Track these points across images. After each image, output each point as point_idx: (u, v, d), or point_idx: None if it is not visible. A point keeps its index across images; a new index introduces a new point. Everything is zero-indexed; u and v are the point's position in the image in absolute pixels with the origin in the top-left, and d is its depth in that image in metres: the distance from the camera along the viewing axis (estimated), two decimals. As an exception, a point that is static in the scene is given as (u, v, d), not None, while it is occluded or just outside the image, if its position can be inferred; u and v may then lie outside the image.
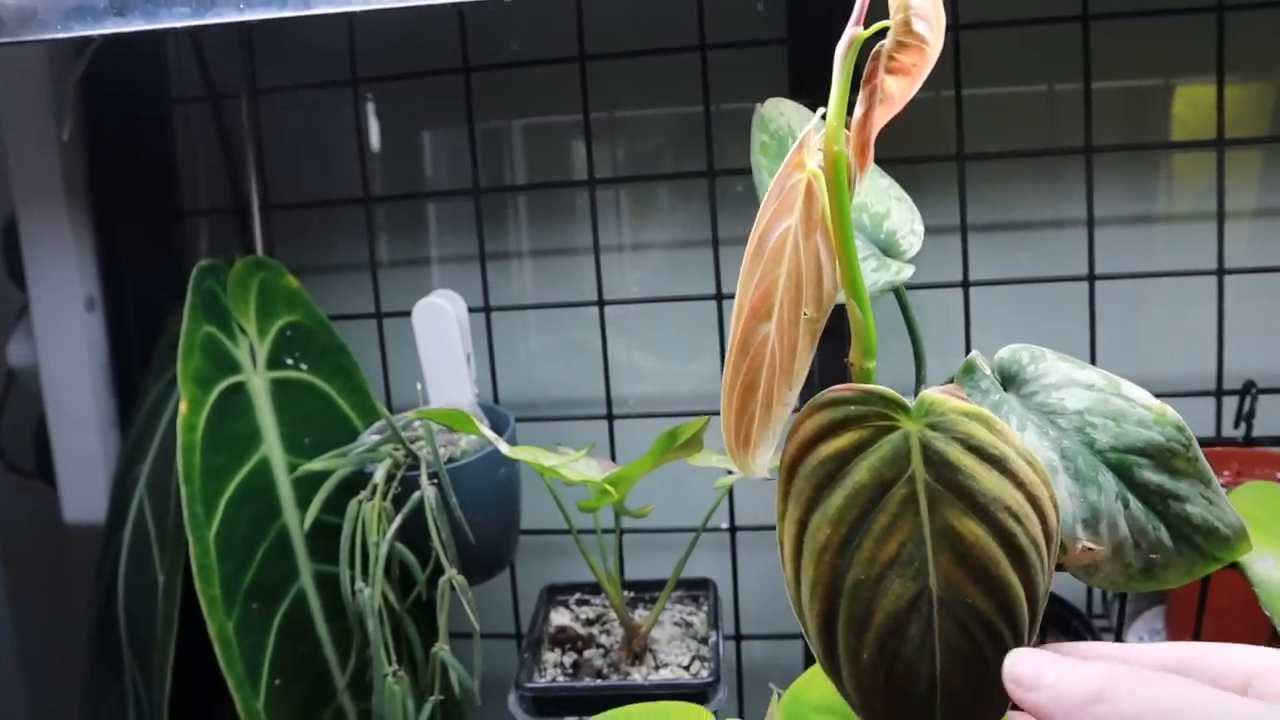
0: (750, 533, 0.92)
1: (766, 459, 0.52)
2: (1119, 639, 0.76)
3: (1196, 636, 0.69)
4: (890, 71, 0.49)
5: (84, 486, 0.92)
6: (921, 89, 0.48)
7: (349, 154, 0.94)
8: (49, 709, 1.02)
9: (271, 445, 0.79)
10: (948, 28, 0.83)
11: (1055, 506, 0.48)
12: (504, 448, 0.65)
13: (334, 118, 0.95)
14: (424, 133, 0.95)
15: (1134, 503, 0.53)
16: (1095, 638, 0.77)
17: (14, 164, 0.88)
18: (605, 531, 0.75)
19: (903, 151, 0.85)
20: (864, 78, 0.49)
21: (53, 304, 0.90)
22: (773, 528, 0.90)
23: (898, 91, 0.49)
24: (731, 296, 0.88)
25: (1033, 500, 0.47)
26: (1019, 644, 0.47)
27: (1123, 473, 0.52)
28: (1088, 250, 0.84)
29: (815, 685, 0.58)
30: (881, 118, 0.49)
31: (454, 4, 0.57)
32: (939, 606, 0.46)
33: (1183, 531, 0.53)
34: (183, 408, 0.74)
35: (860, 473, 0.47)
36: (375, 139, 0.94)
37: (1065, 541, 0.52)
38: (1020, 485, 0.47)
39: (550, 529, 0.89)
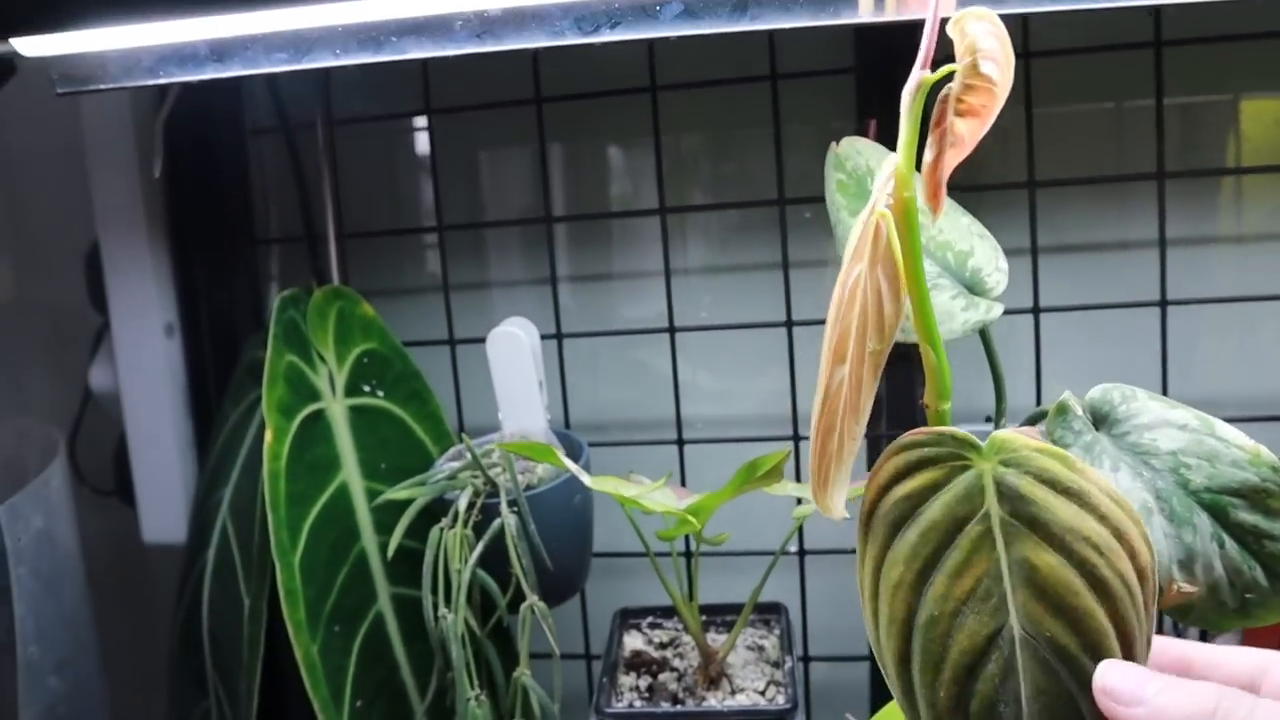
0: (817, 555, 0.94)
1: (843, 498, 0.54)
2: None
3: None
4: (959, 114, 0.51)
5: (163, 507, 0.97)
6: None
7: (415, 181, 0.98)
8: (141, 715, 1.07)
9: (350, 471, 0.83)
10: (1018, 56, 0.85)
11: (1148, 543, 0.50)
12: (586, 479, 0.68)
13: (402, 145, 0.99)
14: (492, 159, 0.99)
15: (1229, 543, 0.54)
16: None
17: (97, 195, 0.93)
18: (680, 554, 0.78)
19: (969, 176, 0.87)
20: (933, 121, 0.51)
21: (134, 330, 0.95)
22: (840, 551, 0.94)
23: (968, 133, 0.51)
24: (799, 323, 0.91)
25: (1118, 534, 0.49)
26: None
27: (1217, 513, 0.54)
28: (1160, 276, 0.85)
29: (895, 717, 0.61)
30: (953, 160, 0.51)
31: (540, 50, 0.61)
32: (1019, 644, 0.48)
33: (1277, 570, 0.55)
34: (268, 436, 0.78)
35: (934, 510, 0.49)
36: (444, 165, 0.97)
37: (1160, 582, 0.54)
38: (1102, 519, 0.49)
39: (622, 552, 0.92)
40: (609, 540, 0.90)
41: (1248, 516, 0.53)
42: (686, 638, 0.82)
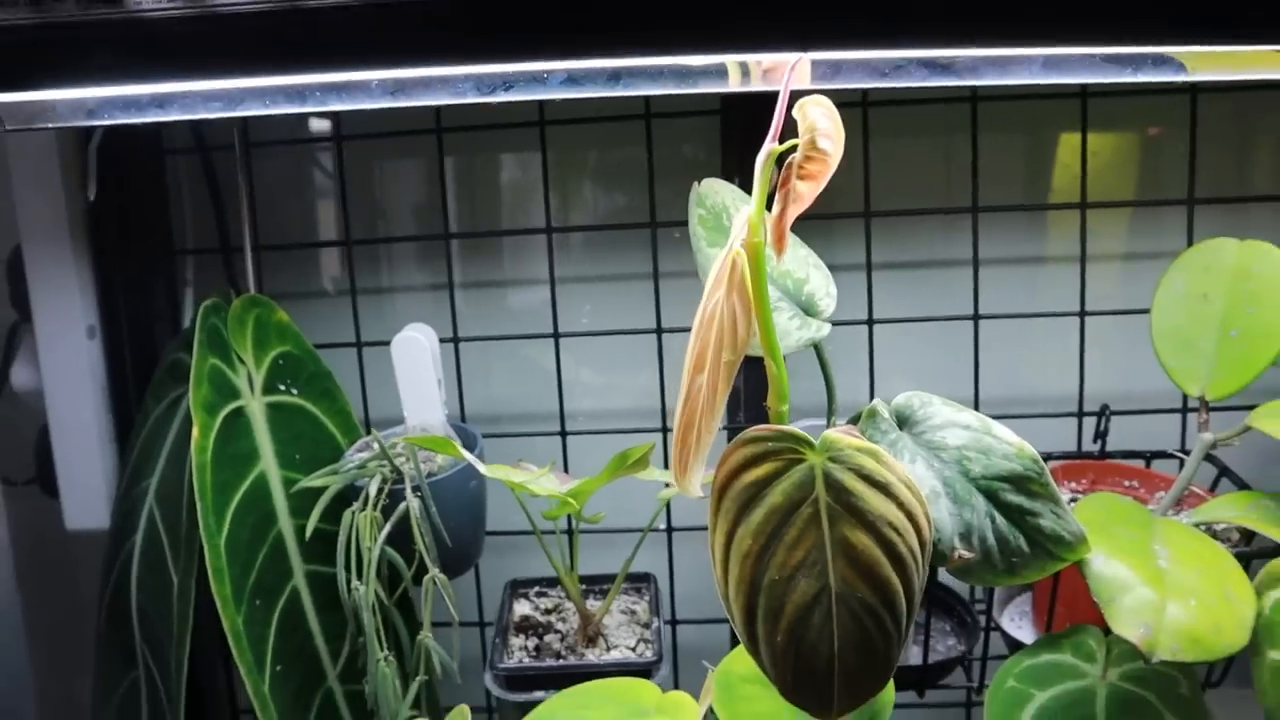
0: (683, 532, 1.05)
1: (699, 481, 0.65)
2: (993, 619, 0.90)
3: (1050, 617, 0.84)
4: (800, 178, 0.61)
5: (86, 497, 1.01)
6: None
7: (324, 198, 1.05)
8: (58, 699, 1.11)
9: (268, 461, 0.90)
10: (857, 104, 0.97)
11: (929, 521, 0.62)
12: (481, 468, 0.77)
13: (311, 166, 1.06)
14: (395, 178, 1.06)
15: (999, 519, 0.67)
16: (975, 620, 0.91)
17: (21, 206, 0.97)
18: (563, 532, 0.88)
19: (822, 206, 0.99)
20: (780, 181, 0.61)
21: (57, 332, 0.99)
22: (702, 528, 1.06)
23: (807, 192, 0.62)
24: (668, 330, 1.01)
25: (910, 517, 0.61)
26: (898, 630, 0.61)
27: (991, 496, 0.67)
28: (973, 294, 0.98)
29: (741, 660, 0.71)
30: (794, 213, 0.62)
31: (438, 105, 0.69)
32: (836, 600, 0.60)
33: (1036, 539, 0.67)
34: (195, 432, 0.84)
35: (775, 496, 0.60)
36: (351, 184, 1.04)
37: (945, 551, 0.66)
38: (900, 505, 0.61)
39: (512, 530, 1.01)
40: (500, 520, 0.98)
41: (1014, 498, 0.66)
42: (568, 604, 0.92)
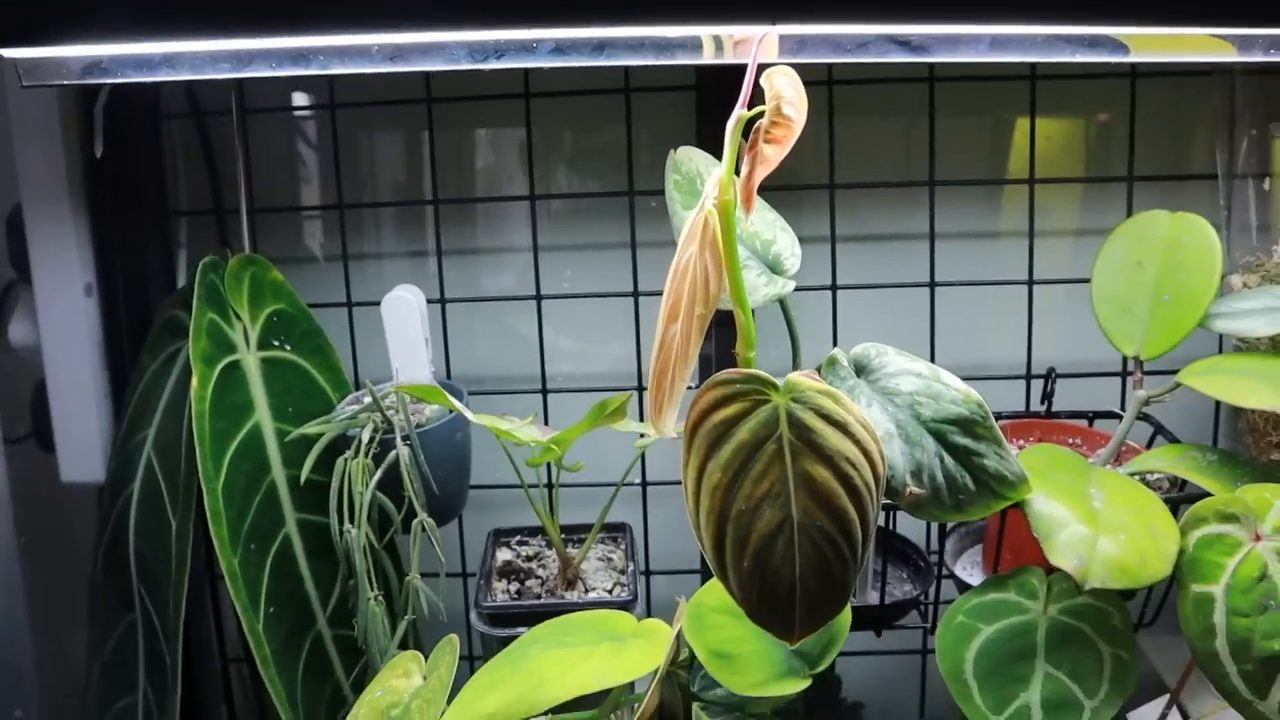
0: (658, 487, 1.10)
1: (673, 422, 0.70)
2: (947, 567, 0.96)
3: (995, 562, 0.90)
4: (767, 141, 0.67)
5: (82, 450, 1.05)
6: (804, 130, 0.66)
7: (317, 163, 1.09)
8: (54, 648, 1.15)
9: (262, 413, 0.94)
10: (823, 82, 1.03)
11: (883, 457, 0.68)
12: (470, 415, 0.82)
13: (306, 132, 1.10)
14: (385, 146, 1.11)
15: (948, 459, 0.73)
16: (929, 566, 0.97)
17: (22, 165, 1.00)
18: (544, 485, 0.92)
19: (790, 178, 1.04)
20: (748, 145, 0.67)
21: (55, 289, 1.03)
22: (676, 483, 1.11)
23: (773, 155, 0.67)
24: (644, 294, 1.07)
25: (865, 453, 0.66)
26: (854, 557, 0.67)
27: (940, 437, 0.72)
28: (930, 264, 1.05)
29: (712, 593, 0.76)
30: (761, 174, 0.67)
31: (436, 71, 0.73)
32: (798, 529, 0.65)
33: (981, 478, 0.73)
34: (194, 383, 0.88)
35: (743, 433, 0.65)
36: (344, 151, 1.09)
37: (898, 487, 0.72)
38: (857, 442, 0.66)
39: (494, 484, 1.06)
40: (483, 475, 1.03)
41: (961, 439, 0.72)
42: (548, 552, 0.97)
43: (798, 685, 0.70)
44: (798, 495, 0.65)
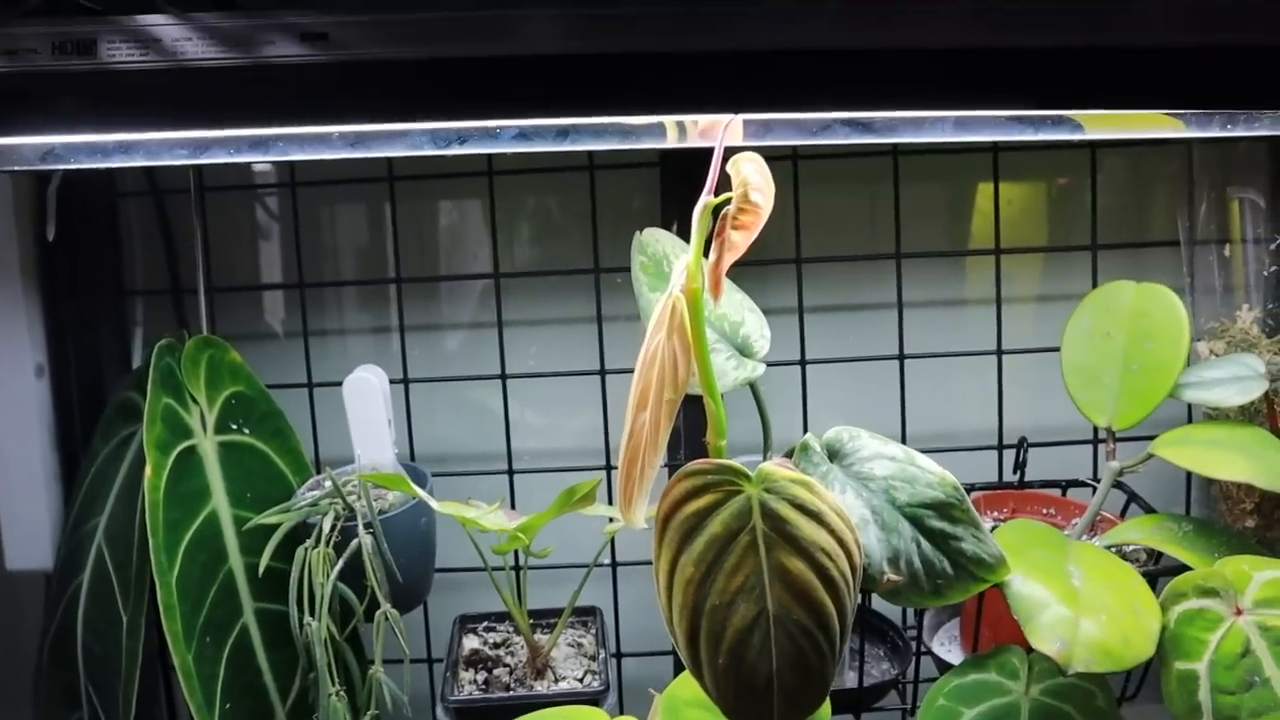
0: (627, 567, 1.08)
1: (644, 513, 0.68)
2: (924, 643, 0.95)
3: (975, 640, 0.88)
4: (735, 228, 0.66)
5: (30, 536, 1.01)
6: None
7: (276, 241, 1.07)
8: None
9: (219, 500, 0.92)
10: (787, 157, 1.03)
11: (859, 546, 0.66)
12: (433, 504, 0.80)
13: (265, 210, 1.08)
14: (348, 222, 1.09)
15: (924, 543, 0.71)
16: (907, 644, 0.95)
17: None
18: (511, 568, 0.90)
19: (757, 252, 1.03)
20: (715, 231, 0.66)
21: (4, 370, 1.00)
22: (647, 563, 1.09)
23: (741, 241, 0.66)
24: (611, 371, 1.05)
25: (841, 543, 0.65)
26: (832, 650, 0.65)
27: (917, 522, 0.71)
28: (898, 335, 1.04)
29: (686, 686, 0.74)
30: (729, 260, 0.66)
31: (393, 156, 0.72)
32: (774, 623, 0.63)
33: (959, 562, 0.72)
34: (148, 470, 0.86)
35: (715, 525, 0.64)
36: (304, 228, 1.07)
37: (875, 575, 0.70)
38: (832, 532, 0.65)
39: (460, 567, 1.03)
40: (448, 557, 1.01)
41: (937, 523, 0.70)
42: (517, 638, 0.94)
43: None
44: (773, 588, 0.64)
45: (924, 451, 0.74)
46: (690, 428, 1.03)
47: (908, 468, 0.72)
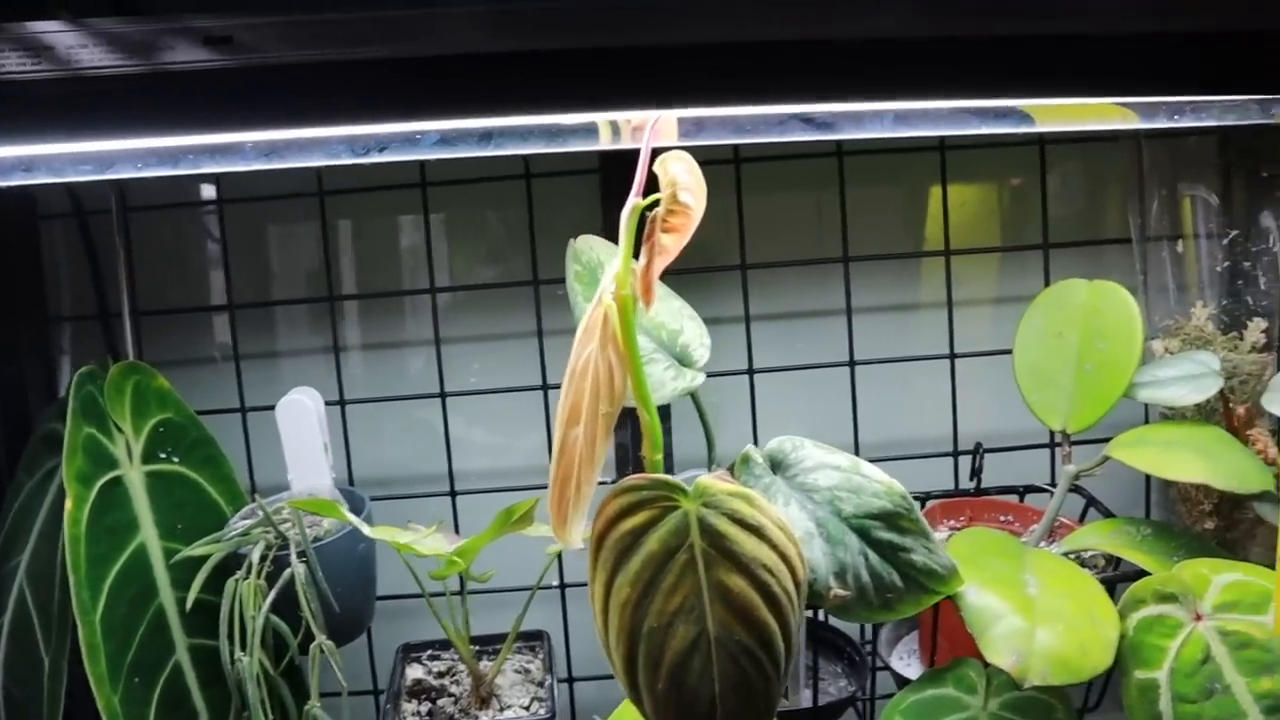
0: (577, 589, 1.04)
1: (580, 532, 0.66)
2: (881, 658, 0.92)
3: (932, 653, 0.86)
4: (665, 230, 0.63)
5: (-48, 578, 0.97)
6: (711, 206, 0.62)
7: (206, 261, 1.03)
8: None
9: (148, 532, 0.87)
10: (729, 161, 1.00)
11: (803, 561, 0.63)
12: (366, 529, 0.77)
13: (193, 229, 1.04)
14: (281, 241, 1.06)
15: (873, 556, 0.68)
16: (864, 659, 0.93)
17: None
18: (453, 594, 0.87)
19: (701, 259, 1.01)
20: (645, 235, 0.63)
21: (-78, 404, 0.96)
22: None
23: (671, 245, 0.64)
24: (554, 386, 1.02)
25: (784, 558, 0.62)
26: (777, 670, 0.62)
27: (864, 534, 0.68)
28: (848, 341, 1.02)
29: (631, 712, 0.71)
30: (661, 264, 0.64)
31: (315, 167, 0.69)
32: (715, 644, 0.60)
33: (909, 574, 0.69)
34: (69, 504, 0.82)
35: (652, 543, 0.61)
36: (235, 247, 1.04)
37: (821, 590, 0.68)
38: (774, 547, 0.62)
39: (403, 594, 1.00)
40: (394, 584, 0.97)
41: (886, 534, 0.68)
42: (462, 666, 0.90)
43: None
44: (713, 608, 0.61)
45: (878, 460, 0.71)
46: (637, 443, 1.00)
47: (853, 477, 0.69)
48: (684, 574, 0.61)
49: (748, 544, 0.61)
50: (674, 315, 0.77)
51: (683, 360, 0.76)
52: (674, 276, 0.96)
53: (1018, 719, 0.74)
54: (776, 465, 0.70)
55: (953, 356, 1.03)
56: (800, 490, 0.69)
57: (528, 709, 0.84)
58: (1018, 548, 0.81)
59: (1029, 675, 0.68)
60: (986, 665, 0.75)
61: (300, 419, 0.90)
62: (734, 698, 0.61)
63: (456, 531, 0.97)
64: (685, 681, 0.61)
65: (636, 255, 0.63)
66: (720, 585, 0.61)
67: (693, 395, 0.75)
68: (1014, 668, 0.68)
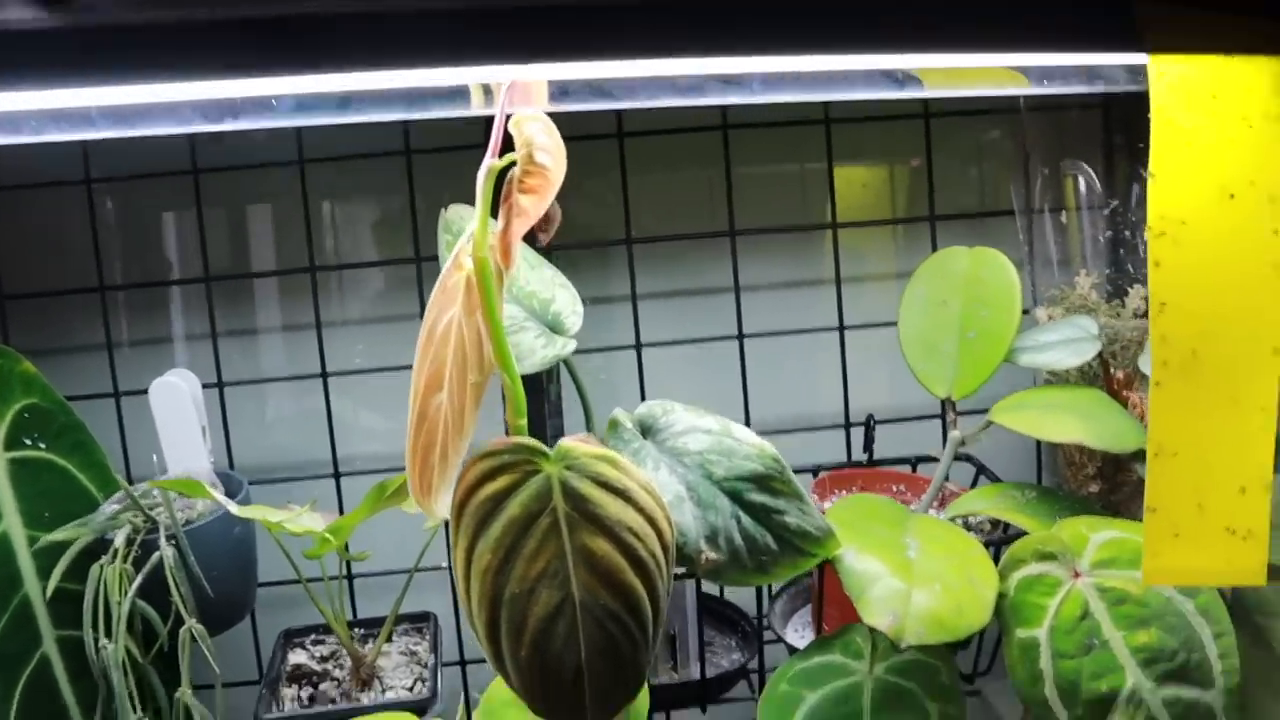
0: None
1: (446, 502, 0.64)
2: (775, 630, 0.91)
3: (819, 621, 0.85)
4: (522, 191, 0.62)
5: None
6: (598, 183, 0.61)
7: (82, 243, 1.00)
8: None
9: (11, 520, 0.84)
10: (612, 135, 0.99)
11: (670, 525, 0.63)
12: (233, 508, 0.74)
13: (67, 209, 1.01)
14: (157, 221, 1.02)
15: (745, 518, 0.68)
16: (760, 634, 0.92)
17: None
18: (332, 578, 0.85)
19: (588, 235, 1.00)
20: (503, 197, 0.62)
21: None
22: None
23: (531, 207, 0.62)
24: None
25: (651, 521, 0.61)
26: (644, 635, 0.61)
27: (735, 497, 0.68)
28: (737, 315, 1.02)
29: (505, 686, 0.70)
30: (520, 226, 0.62)
31: (165, 134, 0.66)
32: (580, 609, 0.59)
33: (784, 536, 0.68)
34: (-79, 493, 0.78)
35: (513, 508, 0.60)
36: (109, 229, 1.00)
37: (693, 555, 0.67)
38: (640, 510, 0.61)
39: (283, 580, 0.97)
40: (281, 571, 0.94)
41: (758, 497, 0.67)
42: (345, 651, 0.88)
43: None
44: (577, 572, 0.60)
45: (770, 434, 0.71)
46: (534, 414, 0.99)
47: (724, 440, 0.69)
48: (546, 538, 0.60)
49: (612, 507, 0.60)
50: (546, 284, 0.76)
51: (555, 328, 0.75)
52: (563, 252, 0.95)
53: (903, 682, 0.74)
54: (646, 430, 0.70)
55: (842, 329, 1.03)
56: (670, 454, 0.68)
57: (411, 690, 0.82)
58: (901, 513, 0.81)
59: (905, 635, 0.68)
60: (872, 631, 0.75)
61: (175, 401, 0.87)
62: (601, 663, 0.60)
63: (341, 514, 0.94)
64: (549, 648, 0.60)
65: (495, 217, 0.62)
66: (584, 549, 0.60)
67: (566, 363, 0.74)
68: (890, 628, 0.68)
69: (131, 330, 1.01)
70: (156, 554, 0.78)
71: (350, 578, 0.84)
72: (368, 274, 1.03)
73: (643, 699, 0.67)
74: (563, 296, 0.76)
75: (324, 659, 0.87)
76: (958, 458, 0.89)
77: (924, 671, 0.75)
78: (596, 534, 0.60)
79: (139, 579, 0.78)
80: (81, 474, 0.89)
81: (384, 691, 0.82)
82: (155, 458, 0.88)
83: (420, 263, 0.98)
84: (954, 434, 0.87)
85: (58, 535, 0.80)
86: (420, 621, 0.91)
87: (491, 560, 0.60)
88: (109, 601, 0.78)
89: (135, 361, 1.01)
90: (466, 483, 0.61)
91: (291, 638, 0.91)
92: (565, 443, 0.62)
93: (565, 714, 0.61)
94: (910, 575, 0.72)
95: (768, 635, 0.92)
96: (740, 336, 1.01)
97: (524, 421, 0.64)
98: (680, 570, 0.65)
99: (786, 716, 0.74)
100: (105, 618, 0.78)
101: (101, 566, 0.79)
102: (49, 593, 0.78)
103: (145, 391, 0.88)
